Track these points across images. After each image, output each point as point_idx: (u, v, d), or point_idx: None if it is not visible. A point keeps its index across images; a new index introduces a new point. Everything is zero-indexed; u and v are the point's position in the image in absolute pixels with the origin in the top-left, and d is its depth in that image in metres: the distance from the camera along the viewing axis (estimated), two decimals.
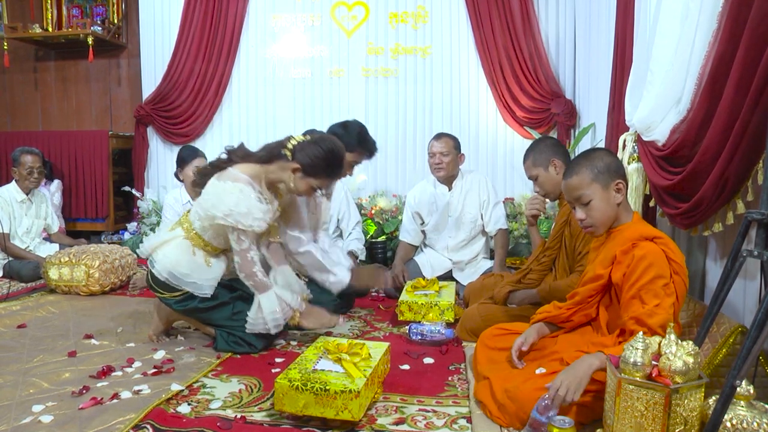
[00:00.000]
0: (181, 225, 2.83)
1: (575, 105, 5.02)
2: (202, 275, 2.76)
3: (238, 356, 2.72)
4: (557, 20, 5.17)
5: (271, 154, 2.74)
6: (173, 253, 2.76)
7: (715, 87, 2.05)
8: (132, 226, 5.53)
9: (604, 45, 4.06)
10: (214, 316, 2.80)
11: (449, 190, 3.99)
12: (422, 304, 3.12)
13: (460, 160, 3.96)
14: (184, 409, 2.13)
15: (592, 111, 4.54)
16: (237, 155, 2.77)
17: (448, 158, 3.85)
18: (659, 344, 1.68)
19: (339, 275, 3.12)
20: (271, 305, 2.70)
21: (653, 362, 1.65)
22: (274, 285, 2.77)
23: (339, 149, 2.77)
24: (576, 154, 4.10)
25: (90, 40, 5.69)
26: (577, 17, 5.03)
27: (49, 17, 6.08)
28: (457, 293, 3.58)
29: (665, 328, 1.79)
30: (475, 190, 3.98)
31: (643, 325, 1.89)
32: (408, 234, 4.15)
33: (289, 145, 2.70)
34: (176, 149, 4.94)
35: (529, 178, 3.02)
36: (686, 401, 1.60)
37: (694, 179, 2.21)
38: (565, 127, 4.98)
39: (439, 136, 3.91)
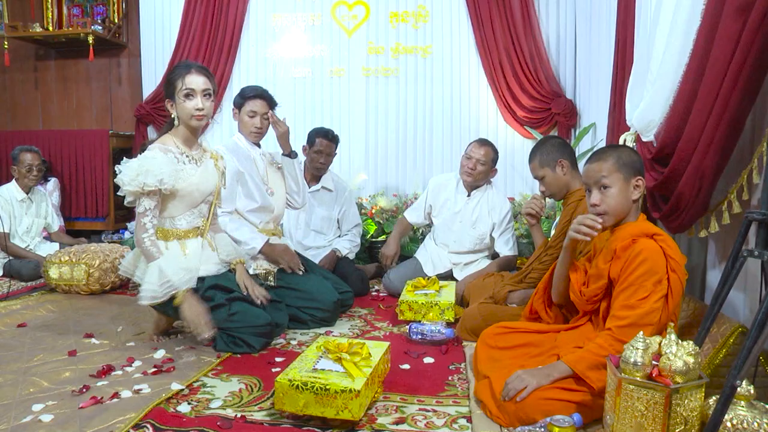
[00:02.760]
0: None
1: (576, 105, 5.03)
2: (186, 265, 2.75)
3: (238, 355, 2.72)
4: (558, 20, 5.18)
5: (168, 123, 2.84)
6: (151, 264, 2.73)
7: (694, 85, 2.10)
8: (132, 225, 5.52)
9: (604, 45, 4.06)
10: (212, 319, 2.74)
11: (468, 196, 3.96)
12: (422, 303, 3.12)
13: (491, 174, 3.93)
14: (184, 408, 2.13)
15: (593, 111, 4.54)
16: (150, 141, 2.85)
17: (483, 168, 3.79)
18: (660, 344, 1.68)
19: (253, 244, 3.27)
20: (151, 276, 2.64)
21: (653, 362, 1.65)
22: (161, 257, 2.68)
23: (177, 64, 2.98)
24: (577, 154, 4.11)
25: (90, 39, 5.69)
26: (578, 17, 5.03)
27: (50, 16, 6.07)
28: (458, 294, 3.56)
29: (650, 320, 1.88)
30: (487, 209, 3.91)
31: (629, 313, 1.95)
32: (412, 214, 4.17)
33: (167, 105, 2.79)
34: None
35: (535, 178, 3.00)
36: (686, 401, 1.61)
37: (674, 177, 2.26)
38: (565, 127, 4.99)
39: (482, 143, 3.83)
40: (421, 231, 4.69)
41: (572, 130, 5.05)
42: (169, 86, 2.75)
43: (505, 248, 3.91)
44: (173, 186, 2.70)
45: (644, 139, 2.62)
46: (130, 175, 2.62)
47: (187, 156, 2.80)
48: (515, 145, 5.28)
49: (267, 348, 2.82)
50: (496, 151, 3.86)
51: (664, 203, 2.47)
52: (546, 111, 5.04)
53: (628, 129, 2.89)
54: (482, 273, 3.71)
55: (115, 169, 2.70)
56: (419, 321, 3.02)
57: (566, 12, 5.14)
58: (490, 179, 3.95)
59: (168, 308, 2.77)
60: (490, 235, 3.94)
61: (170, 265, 2.69)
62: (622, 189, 2.10)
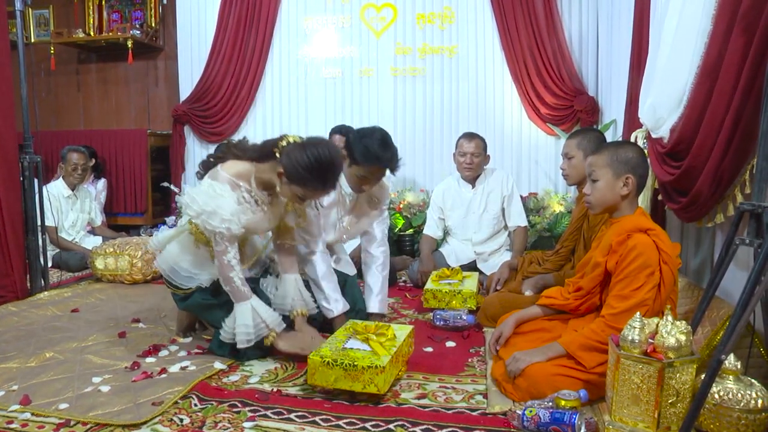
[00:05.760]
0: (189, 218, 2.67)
1: (597, 102, 5.12)
2: (204, 269, 2.68)
3: None
4: (580, 18, 5.25)
5: (263, 152, 2.54)
6: (177, 248, 2.72)
7: (709, 86, 2.20)
8: (170, 220, 5.74)
9: (625, 42, 4.14)
10: (209, 317, 2.74)
11: (473, 188, 4.14)
12: (446, 292, 3.27)
13: (486, 161, 4.12)
14: (225, 382, 2.35)
15: (614, 107, 4.64)
16: (234, 151, 2.61)
17: (478, 159, 4.03)
18: (657, 324, 1.83)
19: (332, 307, 2.90)
20: (244, 318, 2.51)
21: (650, 340, 1.80)
22: (253, 297, 2.56)
23: (327, 158, 2.41)
24: None
25: (129, 43, 5.96)
26: (600, 15, 5.12)
27: (91, 22, 6.34)
28: (481, 283, 3.71)
29: (642, 307, 2.02)
30: (498, 189, 4.12)
31: (622, 303, 2.09)
32: (431, 228, 4.33)
33: (280, 145, 2.46)
34: (211, 147, 5.12)
35: (564, 154, 3.04)
36: (678, 375, 1.76)
37: (691, 174, 2.36)
38: (587, 124, 5.06)
39: (471, 137, 4.04)
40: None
41: (594, 127, 5.14)
42: (299, 170, 2.39)
43: (519, 219, 4.15)
44: (239, 230, 2.49)
45: (653, 136, 2.74)
46: (196, 209, 2.45)
47: (255, 198, 2.59)
48: (539, 142, 5.38)
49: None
50: (483, 140, 4.10)
51: (680, 196, 2.57)
52: (569, 108, 5.13)
53: (641, 126, 3.00)
54: (504, 267, 3.76)
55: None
56: (443, 308, 3.19)
57: (588, 10, 5.21)
58: (484, 167, 4.17)
59: (177, 300, 2.79)
60: (502, 208, 4.14)
61: (261, 305, 2.58)
62: (609, 183, 2.24)
